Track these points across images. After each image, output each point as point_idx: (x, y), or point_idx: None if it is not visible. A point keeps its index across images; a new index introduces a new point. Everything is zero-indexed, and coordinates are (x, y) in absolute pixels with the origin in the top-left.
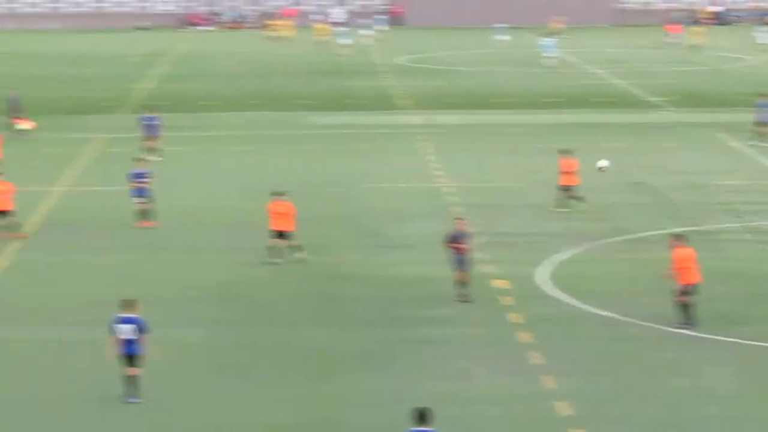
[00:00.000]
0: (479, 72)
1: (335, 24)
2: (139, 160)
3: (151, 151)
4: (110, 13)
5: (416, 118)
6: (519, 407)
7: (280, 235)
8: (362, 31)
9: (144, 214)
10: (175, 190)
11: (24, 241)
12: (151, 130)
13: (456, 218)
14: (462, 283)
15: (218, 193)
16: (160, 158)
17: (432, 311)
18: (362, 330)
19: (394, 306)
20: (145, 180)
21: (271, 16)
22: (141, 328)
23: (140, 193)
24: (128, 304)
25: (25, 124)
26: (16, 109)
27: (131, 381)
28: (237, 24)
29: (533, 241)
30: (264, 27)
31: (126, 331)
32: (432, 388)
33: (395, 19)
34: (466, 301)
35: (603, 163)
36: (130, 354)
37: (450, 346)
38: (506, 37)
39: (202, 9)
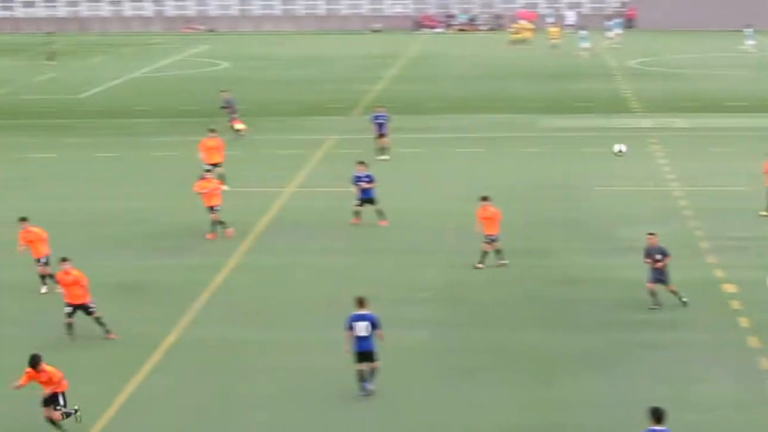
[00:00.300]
0: (712, 75)
1: (568, 27)
2: (361, 162)
3: (382, 150)
4: (343, 16)
5: (647, 121)
6: (745, 413)
7: (489, 238)
8: (608, 33)
9: (379, 214)
10: (402, 191)
11: (251, 242)
12: (381, 128)
13: (648, 234)
14: (653, 293)
15: (446, 195)
16: (388, 157)
17: (658, 315)
18: (587, 332)
19: (620, 309)
20: (365, 182)
21: (504, 18)
22: (374, 325)
23: (363, 195)
24: (362, 301)
25: (240, 125)
26: (231, 111)
27: (369, 374)
28: (469, 26)
29: (763, 246)
30: (497, 29)
31: (361, 328)
32: (656, 391)
33: (628, 22)
34: (655, 309)
35: (620, 147)
36: (365, 350)
37: (676, 349)
38: (752, 42)
39: (435, 11)
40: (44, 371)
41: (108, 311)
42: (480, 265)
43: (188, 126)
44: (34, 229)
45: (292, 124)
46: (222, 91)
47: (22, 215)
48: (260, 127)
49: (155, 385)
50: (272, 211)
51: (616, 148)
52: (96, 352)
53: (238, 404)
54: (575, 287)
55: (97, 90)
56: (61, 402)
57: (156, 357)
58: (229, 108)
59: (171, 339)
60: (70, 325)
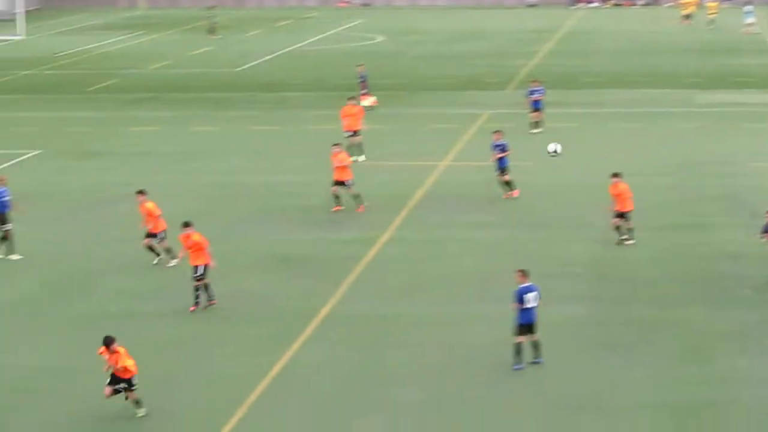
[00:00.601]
0: None
1: (726, 2)
2: (496, 131)
3: (536, 124)
4: None
5: None
6: None
7: (621, 215)
8: None
9: (507, 185)
10: (554, 166)
11: (404, 216)
12: (536, 102)
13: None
14: None
15: (598, 170)
16: (541, 130)
17: None
18: (741, 309)
19: None
20: (498, 151)
21: None
22: (539, 296)
23: (499, 164)
24: (527, 273)
25: (367, 101)
26: (363, 85)
27: (533, 348)
28: (625, 1)
29: None
30: (652, 4)
31: (530, 299)
32: None
33: None
34: None
35: (552, 147)
36: (531, 322)
37: None
38: None
39: None
40: (116, 352)
41: (262, 284)
42: (630, 242)
43: (343, 100)
44: (149, 204)
45: (448, 99)
46: (357, 65)
47: (140, 188)
48: (415, 101)
49: (308, 358)
50: (426, 184)
51: (551, 148)
52: (250, 325)
53: (389, 378)
54: (731, 263)
55: (253, 63)
56: (123, 385)
57: (309, 330)
58: (362, 82)
59: (324, 312)
60: (206, 287)
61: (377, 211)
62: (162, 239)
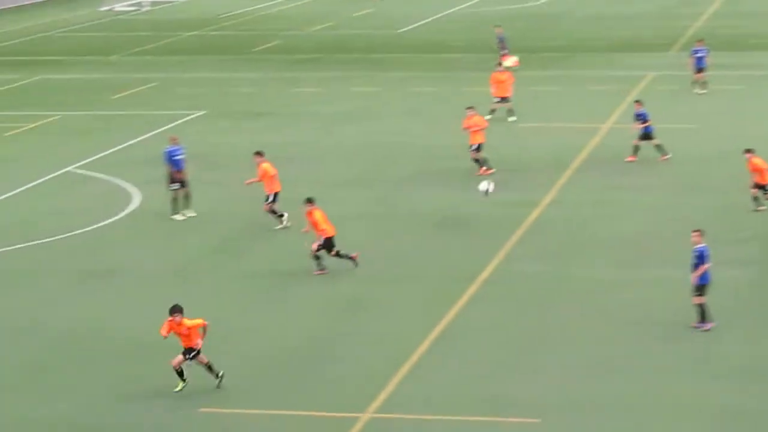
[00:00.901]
0: None
1: None
2: (637, 101)
3: (699, 84)
4: None
5: None
6: None
7: (761, 187)
8: None
9: (659, 148)
10: (716, 129)
11: (567, 178)
12: (700, 62)
13: None
14: None
15: (761, 134)
16: (706, 91)
17: None
18: None
19: None
20: (639, 121)
21: None
22: None
23: (644, 131)
24: (703, 233)
25: (509, 61)
26: (502, 46)
27: (706, 309)
28: None
29: None
30: None
31: (709, 259)
32: None
33: None
34: None
35: (484, 186)
36: (708, 282)
37: None
38: None
39: None
40: (182, 323)
41: (424, 245)
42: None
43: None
44: (265, 165)
45: (611, 60)
46: (495, 27)
47: (258, 149)
48: (578, 63)
49: (469, 319)
50: (589, 147)
51: (483, 186)
52: (412, 286)
53: (551, 340)
54: None
55: (415, 25)
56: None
57: (472, 290)
58: (500, 43)
59: (486, 273)
60: (338, 255)
61: (540, 173)
62: (271, 202)
